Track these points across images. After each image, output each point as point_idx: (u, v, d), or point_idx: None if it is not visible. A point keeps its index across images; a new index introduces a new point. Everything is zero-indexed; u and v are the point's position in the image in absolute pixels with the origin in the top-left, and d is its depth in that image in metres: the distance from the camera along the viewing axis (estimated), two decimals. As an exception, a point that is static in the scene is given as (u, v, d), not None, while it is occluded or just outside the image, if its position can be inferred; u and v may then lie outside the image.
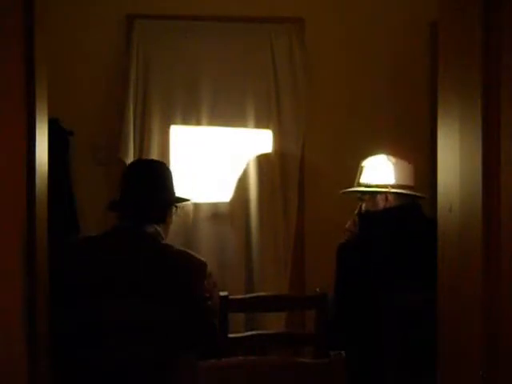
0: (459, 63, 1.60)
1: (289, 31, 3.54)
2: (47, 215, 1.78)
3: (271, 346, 2.63)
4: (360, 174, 2.82)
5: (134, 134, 3.42)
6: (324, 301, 2.60)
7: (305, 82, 3.54)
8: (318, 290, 2.65)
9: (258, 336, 2.60)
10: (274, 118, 3.54)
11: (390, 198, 2.73)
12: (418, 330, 2.32)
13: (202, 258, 2.19)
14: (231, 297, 2.55)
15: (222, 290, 2.59)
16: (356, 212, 2.82)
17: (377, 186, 2.75)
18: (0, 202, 1.53)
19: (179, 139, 3.51)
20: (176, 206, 2.37)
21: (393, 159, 2.78)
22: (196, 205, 3.46)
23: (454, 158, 1.62)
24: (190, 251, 2.21)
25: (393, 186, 2.74)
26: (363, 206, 2.79)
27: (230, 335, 2.51)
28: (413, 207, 2.74)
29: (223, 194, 3.52)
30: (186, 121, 3.51)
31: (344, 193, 2.89)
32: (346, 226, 2.80)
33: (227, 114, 3.52)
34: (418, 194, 2.77)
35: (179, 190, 2.45)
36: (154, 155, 3.40)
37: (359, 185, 2.82)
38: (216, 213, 3.52)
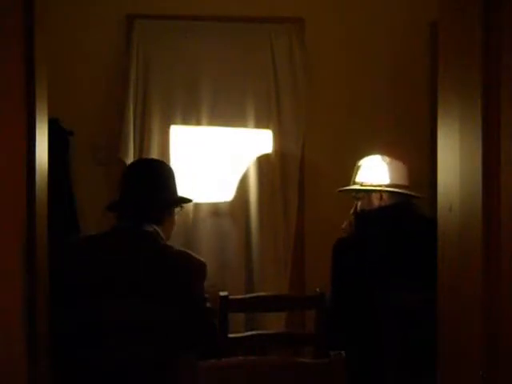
0: (459, 63, 1.60)
1: (289, 31, 3.54)
2: (47, 215, 1.78)
3: (271, 346, 2.64)
4: (356, 172, 2.85)
5: (134, 134, 3.43)
6: (324, 301, 2.61)
7: (305, 82, 3.54)
8: (317, 289, 2.66)
9: (258, 336, 2.60)
10: (274, 118, 3.54)
11: (385, 196, 2.75)
12: (417, 329, 2.32)
13: (202, 259, 2.19)
14: (231, 297, 2.56)
15: (222, 290, 2.59)
16: (352, 211, 2.83)
17: (371, 185, 2.77)
18: (0, 201, 1.53)
19: (179, 139, 3.51)
20: (182, 206, 2.37)
21: (387, 159, 2.80)
22: (196, 205, 3.45)
23: (454, 158, 1.62)
24: (189, 251, 2.21)
25: (387, 186, 2.75)
26: (359, 204, 2.81)
27: (230, 335, 2.51)
28: (408, 206, 2.75)
29: (223, 193, 3.52)
30: (185, 121, 3.51)
31: (340, 191, 2.91)
32: (342, 226, 2.83)
33: (227, 114, 3.52)
34: (412, 193, 2.78)
35: (180, 191, 2.45)
36: (154, 155, 3.40)
37: (355, 183, 2.84)
38: (216, 213, 3.52)
